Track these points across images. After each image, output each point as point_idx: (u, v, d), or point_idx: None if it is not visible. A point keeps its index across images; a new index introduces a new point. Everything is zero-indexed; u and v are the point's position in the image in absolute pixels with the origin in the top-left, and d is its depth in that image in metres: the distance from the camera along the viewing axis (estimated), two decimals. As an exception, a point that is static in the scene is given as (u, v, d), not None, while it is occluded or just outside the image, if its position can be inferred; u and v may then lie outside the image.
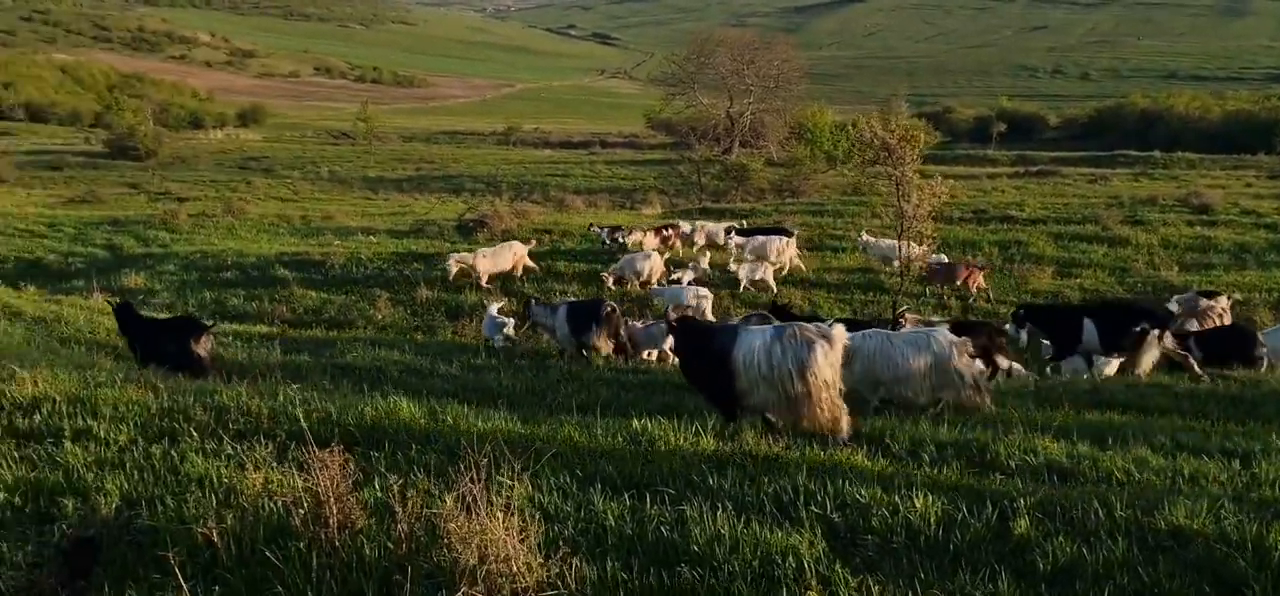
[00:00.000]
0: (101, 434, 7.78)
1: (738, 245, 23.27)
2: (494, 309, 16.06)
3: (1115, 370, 11.81)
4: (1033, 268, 22.30)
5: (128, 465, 7.08)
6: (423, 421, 7.84)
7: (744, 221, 28.12)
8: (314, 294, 20.53)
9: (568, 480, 6.70)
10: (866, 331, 9.73)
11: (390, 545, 6.05)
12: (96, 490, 6.63)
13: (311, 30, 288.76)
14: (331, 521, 6.24)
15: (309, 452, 6.45)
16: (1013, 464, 6.80)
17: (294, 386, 8.82)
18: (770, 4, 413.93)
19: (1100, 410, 8.43)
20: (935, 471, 6.68)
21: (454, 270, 20.67)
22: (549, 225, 27.14)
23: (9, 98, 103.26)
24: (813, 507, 6.16)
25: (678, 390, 10.64)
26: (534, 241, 23.02)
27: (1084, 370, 12.07)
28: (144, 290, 21.93)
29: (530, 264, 21.44)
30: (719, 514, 6.05)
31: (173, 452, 7.30)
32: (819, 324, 8.47)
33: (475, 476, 6.21)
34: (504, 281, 20.73)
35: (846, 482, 6.50)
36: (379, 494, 6.55)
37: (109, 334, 14.98)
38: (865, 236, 23.53)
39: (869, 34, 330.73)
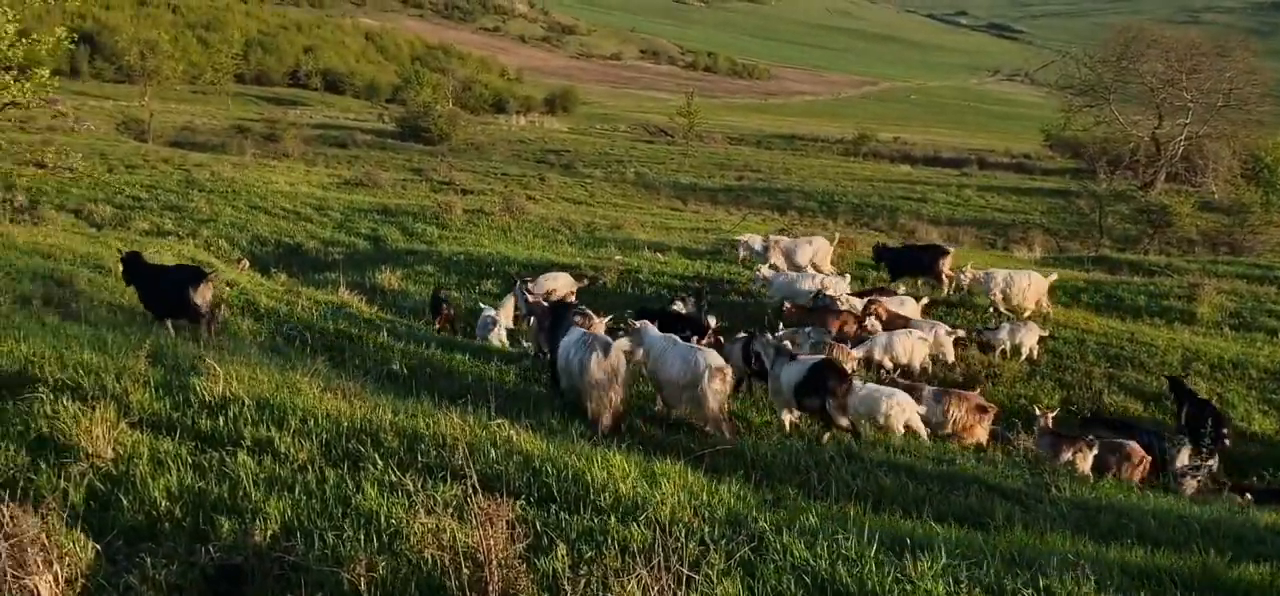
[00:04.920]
0: (282, 447, 8.46)
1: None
2: (489, 312, 19.33)
3: None
4: None
5: (298, 488, 7.62)
6: (633, 485, 7.88)
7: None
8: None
9: (792, 585, 6.47)
10: (668, 335, 13.59)
11: (551, 632, 6.15)
12: (257, 512, 7.18)
13: (642, 5, 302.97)
14: (491, 589, 6.43)
15: (474, 503, 6.70)
16: None
17: (499, 422, 9.15)
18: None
19: None
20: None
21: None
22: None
23: (308, 63, 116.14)
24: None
25: (988, 490, 10.11)
26: (586, 280, 22.98)
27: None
28: (398, 291, 23.84)
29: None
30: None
31: (349, 480, 7.80)
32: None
33: (665, 563, 6.19)
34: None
35: None
36: (557, 565, 6.64)
37: (335, 334, 16.43)
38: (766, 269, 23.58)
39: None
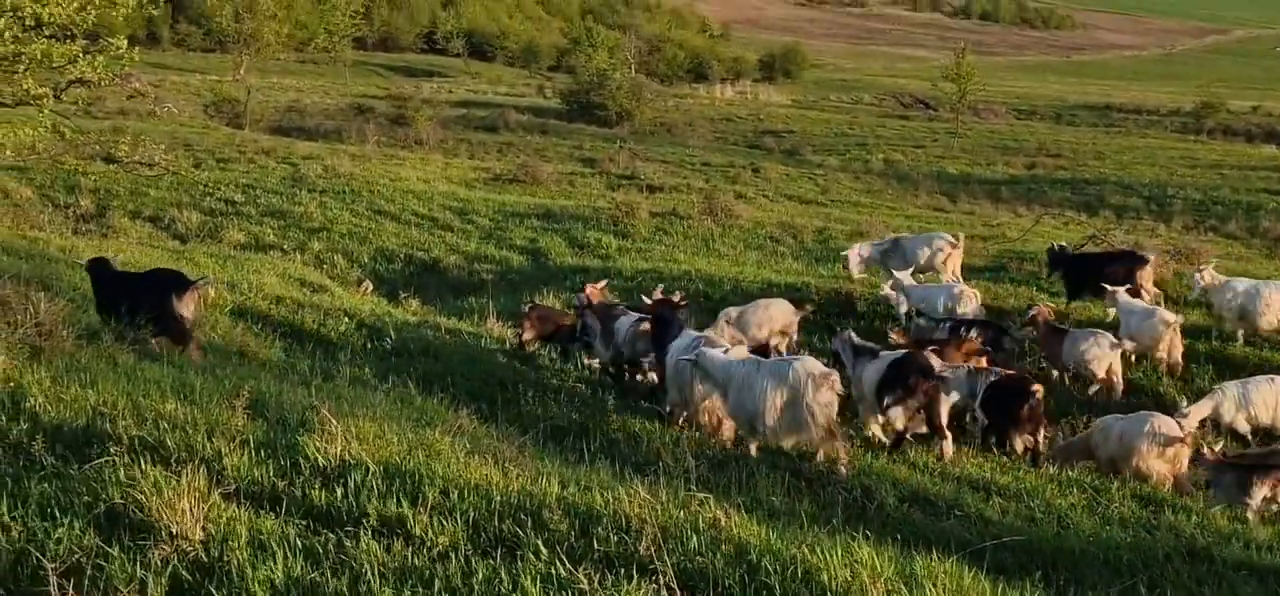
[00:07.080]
0: (416, 529, 8.55)
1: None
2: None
3: None
4: None
5: (437, 584, 7.68)
6: (887, 587, 7.75)
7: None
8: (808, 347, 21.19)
9: None
10: (744, 358, 14.55)
11: None
12: (383, 616, 7.33)
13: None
14: None
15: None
16: None
17: (701, 497, 9.13)
18: None
19: None
20: None
21: None
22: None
23: (447, 22, 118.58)
24: None
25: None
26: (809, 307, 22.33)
27: None
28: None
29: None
30: None
31: (503, 573, 7.83)
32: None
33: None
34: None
35: None
36: None
37: (483, 379, 16.74)
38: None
39: None
